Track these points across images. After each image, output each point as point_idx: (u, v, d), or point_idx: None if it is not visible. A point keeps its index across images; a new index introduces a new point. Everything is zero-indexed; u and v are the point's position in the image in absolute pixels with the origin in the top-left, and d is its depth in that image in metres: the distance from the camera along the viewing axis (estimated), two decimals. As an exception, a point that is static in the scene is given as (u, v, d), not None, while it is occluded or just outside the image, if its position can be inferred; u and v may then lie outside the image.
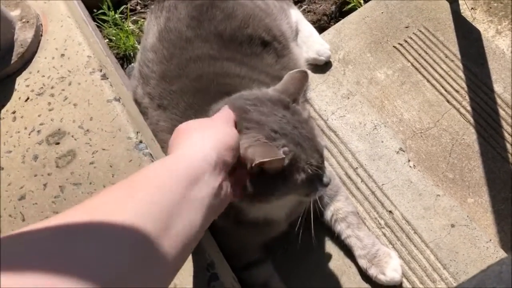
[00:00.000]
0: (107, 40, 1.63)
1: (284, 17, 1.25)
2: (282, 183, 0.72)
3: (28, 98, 0.99)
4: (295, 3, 1.67)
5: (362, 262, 1.00)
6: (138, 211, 0.47)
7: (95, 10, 1.62)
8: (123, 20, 1.66)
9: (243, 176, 0.69)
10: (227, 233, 0.93)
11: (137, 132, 0.93)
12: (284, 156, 0.68)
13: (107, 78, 0.99)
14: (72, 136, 0.94)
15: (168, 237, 0.48)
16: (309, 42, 1.33)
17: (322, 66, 1.33)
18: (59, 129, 0.95)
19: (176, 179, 0.53)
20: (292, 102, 0.76)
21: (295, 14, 1.36)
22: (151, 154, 0.91)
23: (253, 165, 0.66)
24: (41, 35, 1.05)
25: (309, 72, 1.30)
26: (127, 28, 1.64)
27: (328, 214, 1.04)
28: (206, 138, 0.62)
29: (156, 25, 1.09)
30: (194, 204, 0.54)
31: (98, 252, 0.41)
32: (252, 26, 1.08)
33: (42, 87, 1.00)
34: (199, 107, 0.94)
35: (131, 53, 1.61)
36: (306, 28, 1.36)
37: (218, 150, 0.60)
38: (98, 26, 1.60)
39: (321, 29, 1.56)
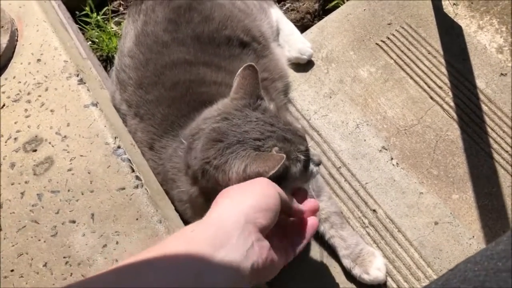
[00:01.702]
0: (90, 42, 1.61)
1: (265, 17, 1.24)
2: (283, 182, 0.72)
3: (4, 105, 0.98)
4: (278, 1, 1.66)
5: (346, 262, 1.00)
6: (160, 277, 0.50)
7: (77, 12, 1.60)
8: (105, 21, 1.65)
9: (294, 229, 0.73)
10: None
11: (115, 137, 0.92)
12: (284, 155, 0.69)
13: (84, 83, 0.98)
14: (50, 143, 0.93)
15: None
16: (291, 41, 1.32)
17: (304, 65, 1.32)
18: (36, 136, 0.94)
19: (202, 243, 0.55)
20: (256, 101, 0.76)
21: (276, 13, 1.35)
22: (129, 160, 0.90)
23: None
24: (17, 40, 1.04)
25: (291, 71, 1.30)
26: (110, 29, 1.62)
27: None
28: (237, 203, 0.62)
29: (133, 29, 1.08)
30: (219, 268, 0.54)
31: None
32: (230, 27, 1.06)
33: (18, 93, 0.98)
34: (175, 118, 0.93)
35: (114, 55, 1.59)
36: (287, 27, 1.35)
37: (247, 213, 0.60)
38: (80, 29, 1.58)
39: (304, 27, 1.55)
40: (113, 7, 1.71)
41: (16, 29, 1.05)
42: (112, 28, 1.65)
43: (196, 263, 0.52)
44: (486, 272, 0.44)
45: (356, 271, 0.98)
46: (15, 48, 1.03)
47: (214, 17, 1.06)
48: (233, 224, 0.58)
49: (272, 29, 1.27)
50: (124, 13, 1.72)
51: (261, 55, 1.11)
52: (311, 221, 0.75)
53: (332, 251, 1.03)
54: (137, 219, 0.84)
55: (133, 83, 1.01)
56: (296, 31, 1.35)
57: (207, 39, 1.03)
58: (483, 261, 0.45)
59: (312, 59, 1.33)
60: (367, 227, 1.08)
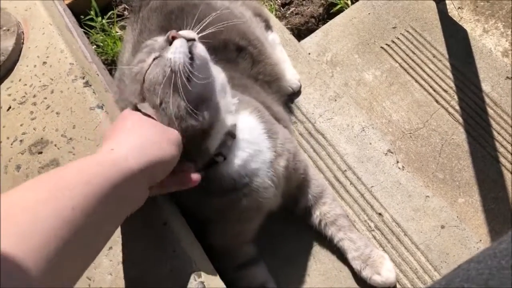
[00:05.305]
0: (95, 46, 1.62)
1: (257, 24, 1.22)
2: None
3: (10, 107, 0.98)
4: (283, 5, 1.67)
5: (356, 264, 0.98)
6: (53, 214, 0.48)
7: (82, 16, 1.61)
8: (110, 25, 1.65)
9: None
10: (216, 225, 0.92)
11: (121, 140, 0.91)
12: None
13: (90, 85, 0.98)
14: (55, 145, 0.92)
15: (80, 239, 0.50)
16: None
17: (309, 68, 1.31)
18: (41, 138, 0.94)
19: (106, 184, 0.54)
20: None
21: (273, 37, 1.31)
22: (134, 162, 0.90)
23: None
24: (23, 43, 1.04)
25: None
26: (115, 34, 1.63)
27: (315, 218, 1.02)
28: (148, 147, 0.62)
29: (131, 39, 1.08)
30: (113, 207, 0.56)
31: None
32: (226, 32, 1.05)
33: (24, 96, 0.98)
34: None
35: (119, 58, 1.60)
36: (280, 54, 1.29)
37: (152, 163, 0.61)
38: (85, 32, 1.59)
39: (309, 31, 1.55)
40: (118, 11, 1.72)
41: (22, 32, 1.05)
42: (117, 32, 1.65)
43: (96, 200, 0.52)
44: (489, 270, 0.44)
45: (367, 272, 0.97)
46: (21, 50, 1.03)
47: (209, 21, 1.05)
48: (138, 171, 0.58)
49: (265, 37, 1.24)
50: (128, 17, 1.72)
51: (257, 60, 1.09)
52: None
53: (339, 254, 1.02)
54: (143, 220, 0.83)
55: None
56: (288, 60, 1.29)
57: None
58: (486, 260, 0.45)
59: (317, 62, 1.33)
60: (373, 230, 1.07)
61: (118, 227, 0.60)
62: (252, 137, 0.87)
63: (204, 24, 0.78)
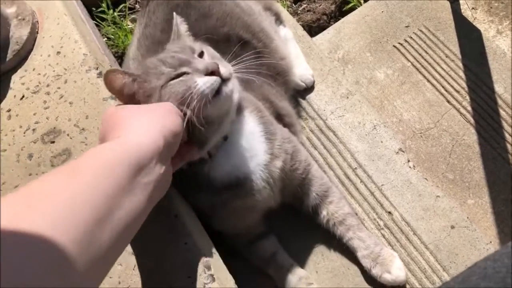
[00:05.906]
0: (106, 38, 1.62)
1: (267, 17, 1.21)
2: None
3: (23, 96, 0.98)
4: (295, 2, 1.66)
5: (366, 262, 0.98)
6: (76, 197, 0.48)
7: (94, 9, 1.61)
8: (121, 18, 1.65)
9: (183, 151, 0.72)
10: (219, 218, 0.94)
11: (133, 131, 0.92)
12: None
13: (104, 76, 0.98)
14: (68, 135, 0.93)
15: (110, 222, 0.49)
16: (293, 64, 1.23)
17: (322, 65, 1.30)
18: (54, 128, 0.94)
19: (124, 164, 0.55)
20: None
21: (284, 31, 1.29)
22: (147, 153, 0.90)
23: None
24: (37, 33, 1.04)
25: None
26: (126, 26, 1.63)
27: (323, 218, 1.01)
28: (154, 124, 0.63)
29: (138, 33, 1.08)
30: (138, 189, 0.56)
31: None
32: (229, 24, 1.04)
33: (37, 85, 0.98)
34: None
35: (130, 51, 1.60)
36: (293, 49, 1.28)
37: (166, 137, 0.62)
38: (96, 25, 1.59)
39: (320, 28, 1.55)
40: (130, 4, 1.72)
41: (37, 21, 1.05)
42: (128, 25, 1.65)
43: (119, 183, 0.53)
44: (506, 268, 0.44)
45: (377, 270, 0.96)
46: (35, 40, 1.03)
47: (212, 14, 1.04)
48: (154, 147, 0.59)
49: (274, 30, 1.23)
50: (140, 10, 1.72)
51: (261, 53, 1.08)
52: None
53: (347, 252, 1.02)
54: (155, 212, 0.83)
55: None
56: (301, 56, 1.29)
57: (204, 37, 1.00)
58: (502, 258, 0.46)
59: (329, 59, 1.32)
60: (382, 229, 1.07)
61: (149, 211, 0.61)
62: (246, 141, 0.87)
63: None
